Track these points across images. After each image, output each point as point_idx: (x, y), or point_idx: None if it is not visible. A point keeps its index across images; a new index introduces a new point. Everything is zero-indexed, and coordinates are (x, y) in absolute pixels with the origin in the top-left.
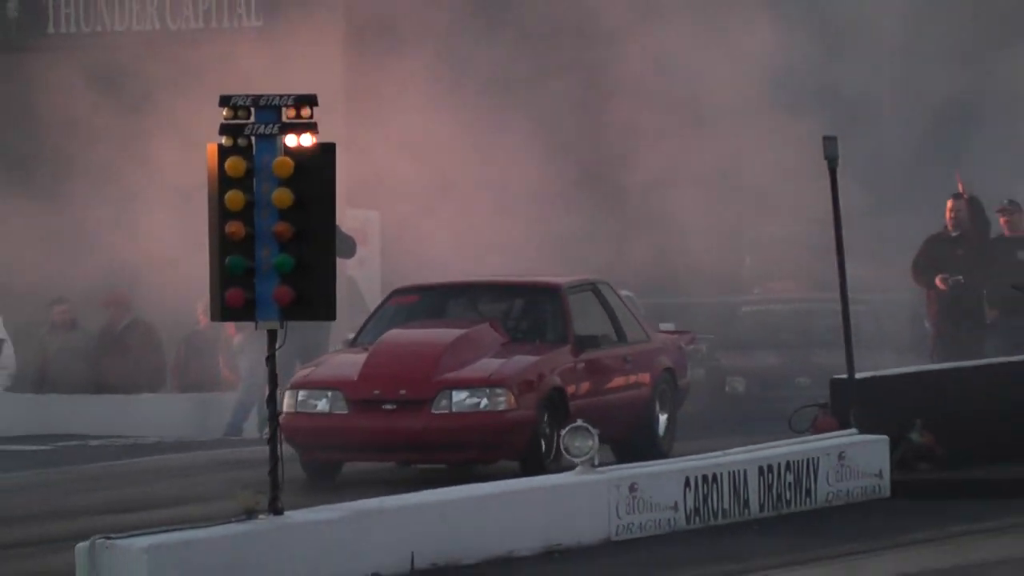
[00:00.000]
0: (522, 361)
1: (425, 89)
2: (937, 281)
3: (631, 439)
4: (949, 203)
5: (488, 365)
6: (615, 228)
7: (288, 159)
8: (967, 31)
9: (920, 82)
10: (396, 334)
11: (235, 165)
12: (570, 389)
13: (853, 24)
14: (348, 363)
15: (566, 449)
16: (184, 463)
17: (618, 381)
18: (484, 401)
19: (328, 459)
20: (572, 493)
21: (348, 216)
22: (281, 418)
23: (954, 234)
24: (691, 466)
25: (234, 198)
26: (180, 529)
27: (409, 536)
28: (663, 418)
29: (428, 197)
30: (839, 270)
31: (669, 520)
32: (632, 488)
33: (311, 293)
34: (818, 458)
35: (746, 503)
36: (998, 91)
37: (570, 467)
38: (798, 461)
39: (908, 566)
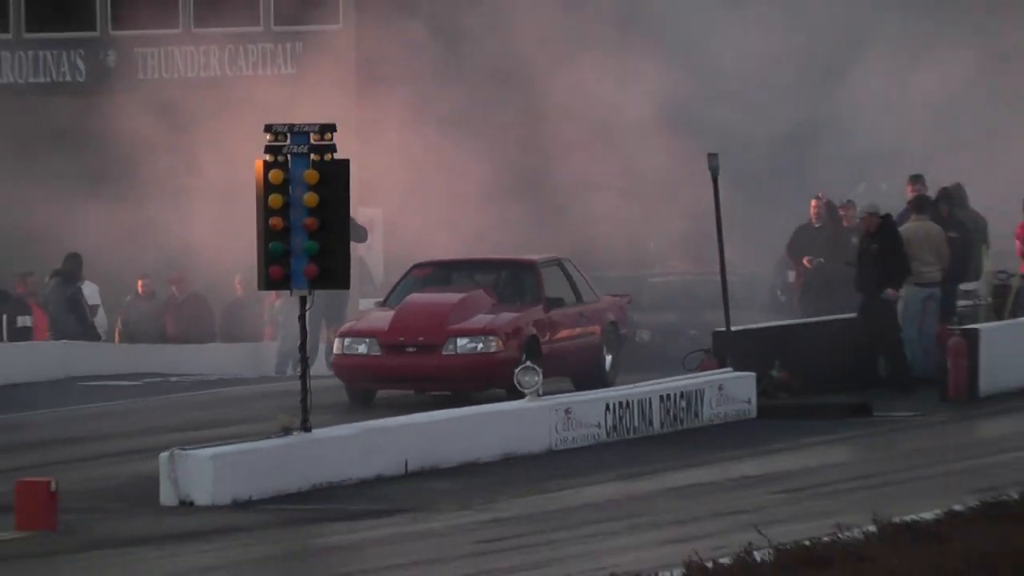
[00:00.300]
0: (507, 316)
1: (410, 117)
2: (804, 261)
3: (585, 374)
4: (813, 202)
5: (483, 319)
6: (552, 219)
7: (315, 171)
8: (811, 67)
9: (779, 107)
10: (416, 297)
11: (276, 175)
12: (542, 337)
13: (729, 63)
14: (381, 318)
15: (518, 383)
16: (239, 394)
17: (576, 331)
18: (480, 346)
19: (366, 388)
20: (523, 416)
21: (359, 212)
22: (332, 359)
23: (817, 225)
24: (610, 395)
25: (275, 199)
26: (236, 442)
27: (404, 448)
28: (609, 358)
29: (414, 198)
30: (719, 253)
31: (595, 435)
32: (567, 412)
33: (331, 269)
34: (703, 389)
35: (651, 422)
36: (835, 114)
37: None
38: (689, 391)
39: (768, 467)
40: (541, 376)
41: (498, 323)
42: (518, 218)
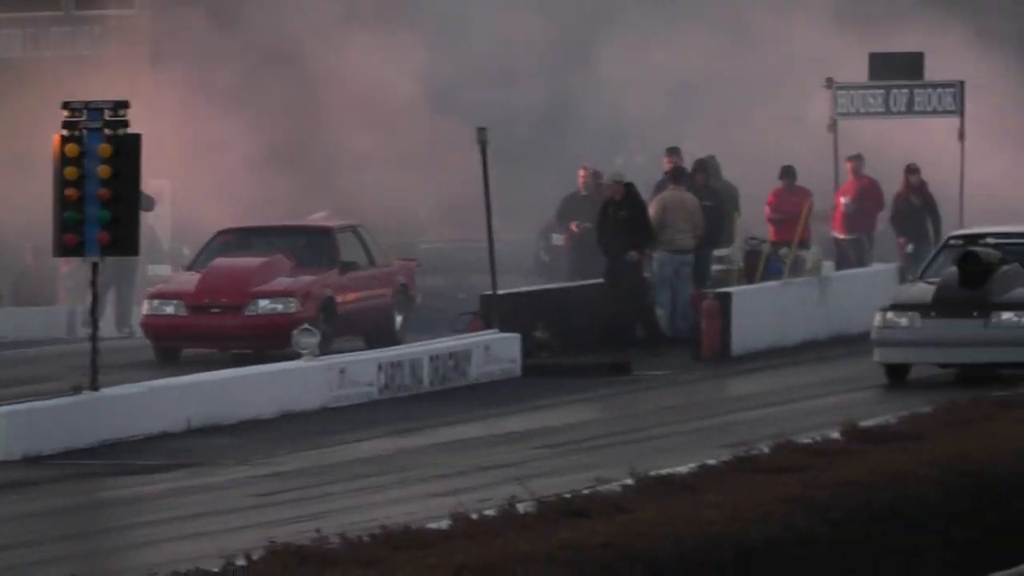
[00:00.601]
0: (305, 279)
1: (194, 95)
2: (572, 226)
3: (377, 333)
4: (581, 172)
5: (283, 282)
6: (324, 188)
7: (108, 145)
8: (566, 46)
9: (536, 85)
10: (220, 261)
11: (72, 149)
12: (338, 298)
13: (488, 43)
14: (188, 281)
15: (295, 344)
16: (31, 356)
17: (369, 292)
18: (280, 306)
19: (173, 347)
20: (300, 375)
21: (149, 184)
22: (141, 319)
23: (584, 193)
24: (382, 355)
25: (71, 172)
26: (28, 401)
27: (187, 405)
28: (399, 319)
29: (198, 170)
30: (487, 220)
31: (368, 393)
32: (342, 371)
33: (122, 237)
34: (471, 350)
35: (421, 381)
36: (589, 90)
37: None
38: (457, 352)
39: (532, 424)
40: (318, 337)
41: (297, 286)
42: (293, 187)
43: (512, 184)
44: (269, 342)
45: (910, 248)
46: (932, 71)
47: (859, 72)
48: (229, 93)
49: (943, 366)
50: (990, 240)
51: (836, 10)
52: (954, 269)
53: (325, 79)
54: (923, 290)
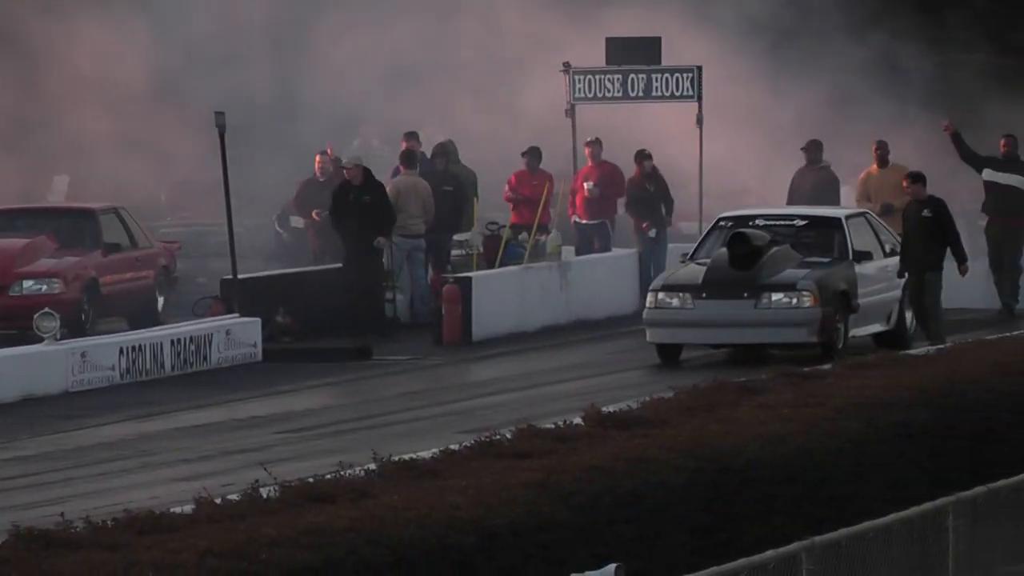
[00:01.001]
0: (70, 260)
1: None
2: (313, 214)
3: (140, 313)
4: (318, 158)
5: (48, 263)
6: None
7: None
8: (292, 33)
9: (262, 72)
10: None
11: None
12: (102, 279)
13: (213, 30)
14: None
15: (37, 328)
16: None
17: (132, 273)
18: (45, 287)
19: None
20: (41, 358)
21: None
22: None
23: (321, 179)
24: (124, 339)
25: None
26: None
27: None
28: (161, 299)
29: None
30: (226, 204)
31: (109, 377)
32: (83, 355)
33: None
34: (212, 333)
35: (162, 365)
36: (316, 76)
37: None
38: (198, 335)
39: (274, 408)
40: (59, 321)
41: (62, 266)
42: (21, 169)
43: (246, 169)
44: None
45: (653, 233)
46: (669, 56)
47: (597, 57)
48: None
49: (715, 347)
50: (759, 222)
51: None
52: (724, 250)
53: (51, 61)
54: (694, 271)
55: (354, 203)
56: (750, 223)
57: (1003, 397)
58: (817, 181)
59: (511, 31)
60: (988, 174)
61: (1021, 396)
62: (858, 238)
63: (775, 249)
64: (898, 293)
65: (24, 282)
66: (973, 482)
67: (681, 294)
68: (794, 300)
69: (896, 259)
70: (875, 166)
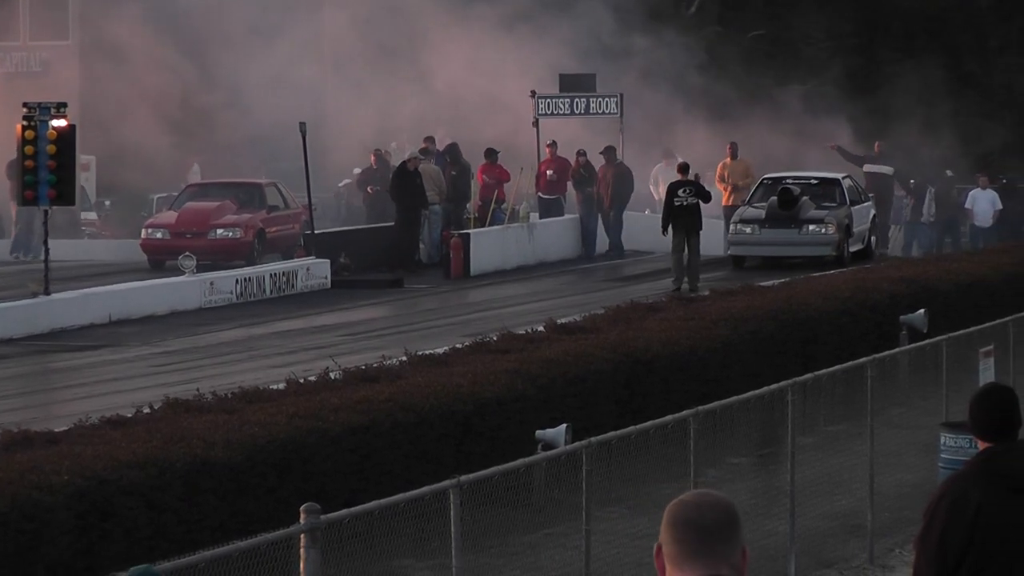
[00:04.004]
0: (246, 216)
1: None
2: (368, 189)
3: (290, 252)
4: (372, 156)
5: (231, 218)
6: None
7: (54, 131)
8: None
9: None
10: (190, 203)
11: (30, 133)
12: (267, 229)
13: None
14: (170, 215)
15: (180, 265)
16: None
17: (285, 227)
18: (230, 233)
19: (161, 260)
20: (184, 286)
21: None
22: (140, 241)
23: (375, 168)
24: (239, 273)
25: (29, 149)
26: (2, 301)
27: (108, 305)
28: (303, 241)
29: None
30: (307, 183)
31: (228, 299)
32: (211, 283)
33: (64, 193)
34: (297, 269)
35: (264, 290)
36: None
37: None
38: (288, 271)
39: (337, 319)
40: (195, 260)
41: (241, 220)
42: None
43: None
44: (224, 257)
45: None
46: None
47: (552, 85)
48: None
49: (769, 258)
50: (788, 181)
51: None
52: (774, 198)
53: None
54: (757, 211)
55: (409, 182)
56: (784, 181)
57: (823, 314)
58: (616, 173)
59: (490, 69)
60: (868, 167)
61: (836, 314)
62: (848, 191)
63: (804, 198)
64: (867, 225)
65: (217, 230)
66: (804, 371)
67: (752, 225)
68: (822, 229)
69: (867, 204)
70: (728, 158)
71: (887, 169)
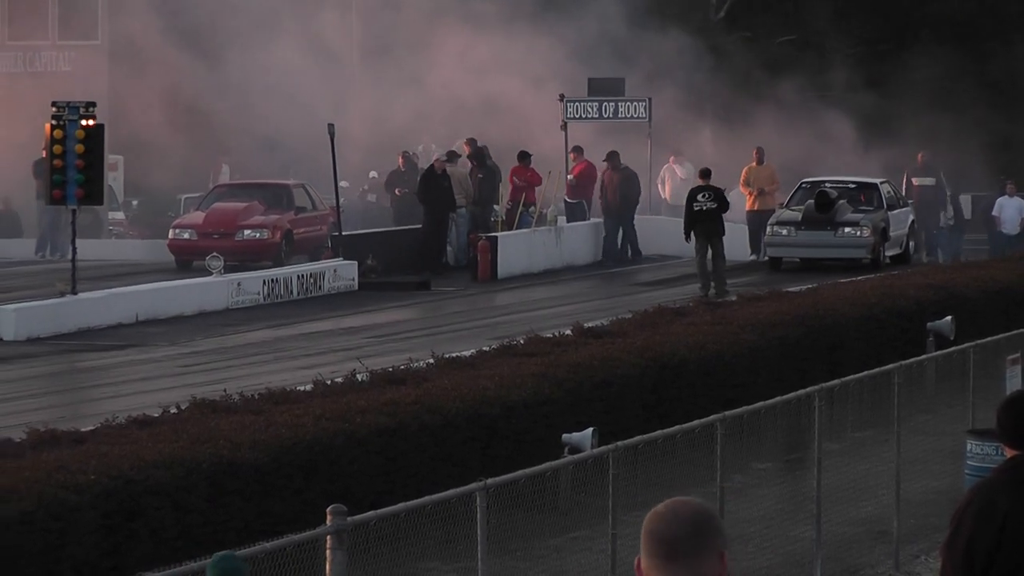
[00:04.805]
0: (274, 217)
1: None
2: (396, 191)
3: (316, 253)
4: (400, 158)
5: (259, 218)
6: None
7: (82, 130)
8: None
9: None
10: (218, 204)
11: (59, 133)
12: (294, 230)
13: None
14: (197, 216)
15: (208, 266)
16: (15, 271)
17: (313, 228)
18: (259, 234)
19: (189, 260)
20: (212, 286)
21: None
22: (168, 241)
23: (403, 170)
24: (266, 274)
25: (58, 148)
26: (30, 300)
27: (135, 305)
28: (330, 242)
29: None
30: (334, 184)
31: (256, 300)
32: (239, 284)
33: (92, 193)
34: (324, 271)
35: (292, 292)
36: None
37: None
38: (316, 272)
39: (364, 321)
40: (222, 261)
41: (268, 221)
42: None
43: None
44: (250, 257)
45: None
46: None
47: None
48: None
49: (800, 259)
50: (827, 185)
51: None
52: (811, 201)
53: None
54: (794, 213)
55: (436, 184)
56: (822, 185)
57: (850, 320)
58: (621, 179)
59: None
60: (915, 180)
61: (861, 320)
62: (887, 196)
63: (841, 201)
64: (906, 230)
65: (244, 231)
66: (830, 376)
67: (788, 227)
68: (858, 232)
69: (905, 210)
70: (754, 163)
71: (930, 180)
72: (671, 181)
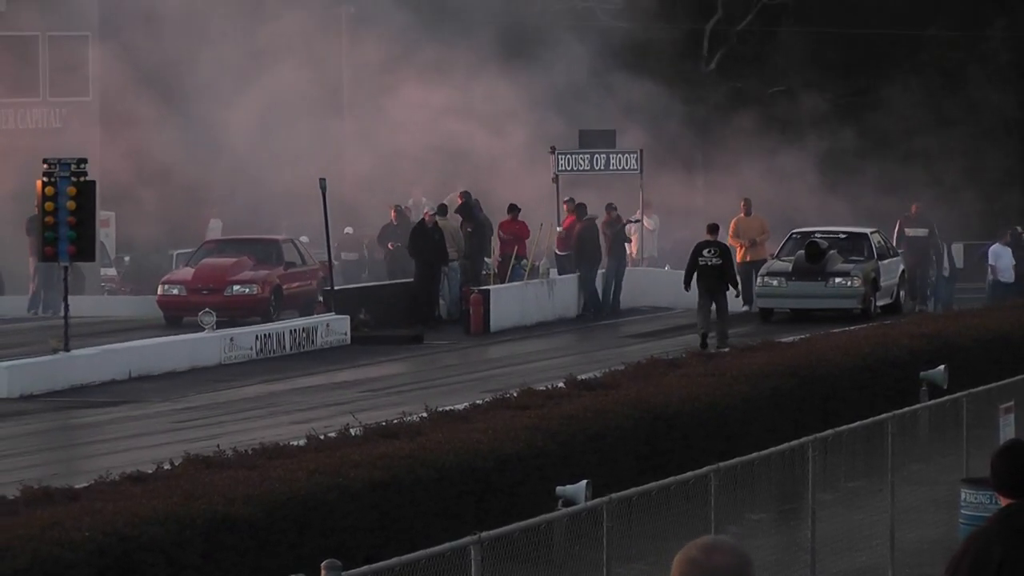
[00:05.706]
0: (263, 272)
1: None
2: (388, 245)
3: (307, 308)
4: (392, 212)
5: (249, 274)
6: None
7: (74, 187)
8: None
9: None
10: (207, 259)
11: (50, 190)
12: (284, 285)
13: None
14: (186, 272)
15: (200, 322)
16: (8, 328)
17: (302, 283)
18: (247, 289)
19: (178, 316)
20: (204, 341)
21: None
22: (157, 297)
23: (395, 224)
24: (258, 329)
25: (49, 205)
26: (22, 358)
27: (128, 361)
28: (320, 299)
29: None
30: (326, 238)
31: (249, 355)
32: (231, 339)
33: (83, 249)
34: (317, 325)
35: (285, 346)
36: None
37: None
38: (308, 327)
39: (357, 375)
40: (215, 317)
41: (258, 276)
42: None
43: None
44: (241, 313)
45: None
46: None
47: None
48: None
49: (796, 311)
50: (817, 235)
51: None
52: (802, 251)
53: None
54: (784, 264)
55: (427, 238)
56: (813, 235)
57: (843, 370)
58: (582, 228)
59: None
60: (907, 230)
61: (854, 370)
62: (877, 246)
63: (832, 251)
64: (896, 279)
65: (234, 287)
66: (824, 426)
67: (779, 277)
68: (848, 282)
69: (895, 260)
70: (743, 214)
71: (923, 231)
72: (637, 236)
